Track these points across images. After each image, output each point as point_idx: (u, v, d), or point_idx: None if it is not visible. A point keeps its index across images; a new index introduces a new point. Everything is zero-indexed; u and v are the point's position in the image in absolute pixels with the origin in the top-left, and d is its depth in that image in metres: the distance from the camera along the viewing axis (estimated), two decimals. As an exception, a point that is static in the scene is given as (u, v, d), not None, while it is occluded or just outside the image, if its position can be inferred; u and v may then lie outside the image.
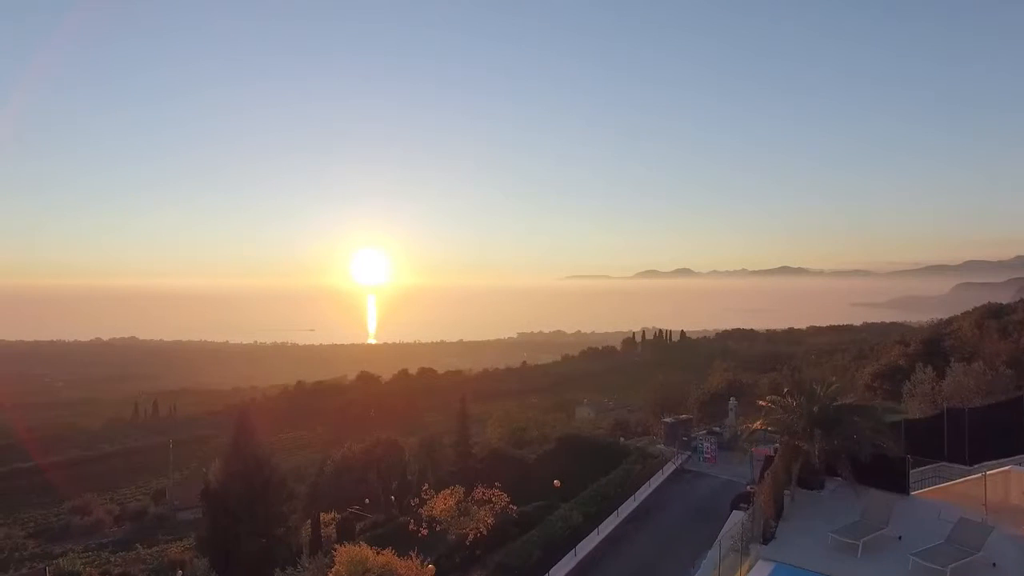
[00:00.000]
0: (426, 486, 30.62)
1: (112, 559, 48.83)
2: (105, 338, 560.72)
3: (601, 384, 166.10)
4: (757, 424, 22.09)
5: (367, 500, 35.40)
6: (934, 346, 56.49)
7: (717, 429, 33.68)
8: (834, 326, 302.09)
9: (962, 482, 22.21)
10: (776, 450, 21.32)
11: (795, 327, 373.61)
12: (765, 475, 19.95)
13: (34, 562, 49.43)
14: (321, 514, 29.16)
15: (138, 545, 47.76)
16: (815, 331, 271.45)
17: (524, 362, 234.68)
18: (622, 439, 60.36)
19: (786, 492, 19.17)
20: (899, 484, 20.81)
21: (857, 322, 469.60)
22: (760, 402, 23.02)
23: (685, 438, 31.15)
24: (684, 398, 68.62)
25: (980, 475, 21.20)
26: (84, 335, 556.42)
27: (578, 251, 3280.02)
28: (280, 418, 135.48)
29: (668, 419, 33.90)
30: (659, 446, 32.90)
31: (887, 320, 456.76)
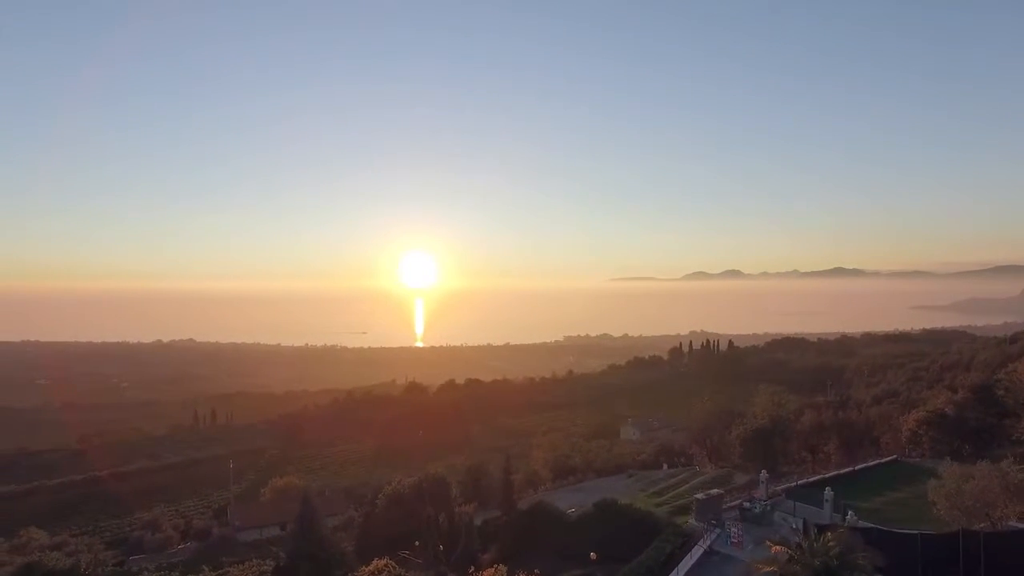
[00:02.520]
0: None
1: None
2: (165, 340, 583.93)
3: (647, 397, 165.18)
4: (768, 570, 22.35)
5: (416, 543, 37.36)
6: (986, 393, 52.10)
7: (747, 504, 34.11)
8: (890, 335, 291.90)
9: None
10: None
11: (849, 332, 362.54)
12: None
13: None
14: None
15: (204, 567, 51.10)
16: (869, 340, 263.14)
17: (570, 371, 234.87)
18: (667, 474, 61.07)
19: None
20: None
21: (917, 327, 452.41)
22: (772, 548, 23.43)
23: (715, 520, 31.83)
24: (730, 426, 68.90)
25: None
26: (146, 337, 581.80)
27: (625, 252, 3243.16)
28: (331, 429, 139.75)
29: (700, 495, 34.63)
30: (691, 522, 33.69)
31: (949, 325, 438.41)
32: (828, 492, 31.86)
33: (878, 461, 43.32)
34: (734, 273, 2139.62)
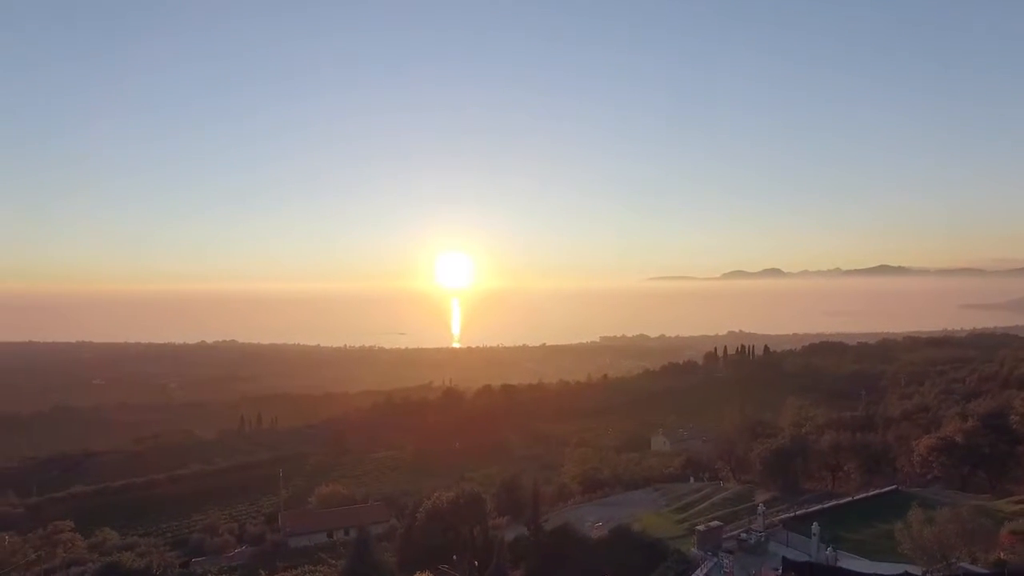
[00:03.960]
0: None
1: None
2: (209, 341, 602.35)
3: (681, 404, 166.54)
4: None
5: (454, 556, 41.03)
6: (998, 420, 52.52)
7: (744, 535, 36.98)
8: (933, 338, 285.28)
9: None
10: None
11: (891, 336, 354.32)
12: None
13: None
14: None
15: (260, 571, 55.81)
16: (911, 344, 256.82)
17: (605, 375, 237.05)
18: (693, 477, 63.82)
19: None
20: None
21: (967, 327, 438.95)
22: None
23: (711, 551, 34.71)
24: (756, 440, 71.09)
25: None
26: (190, 338, 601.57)
27: (662, 251, 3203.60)
28: (371, 434, 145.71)
29: (701, 527, 37.56)
30: (693, 550, 36.69)
31: (1001, 325, 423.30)
32: (815, 526, 34.50)
33: (877, 491, 45.26)
34: (774, 272, 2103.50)
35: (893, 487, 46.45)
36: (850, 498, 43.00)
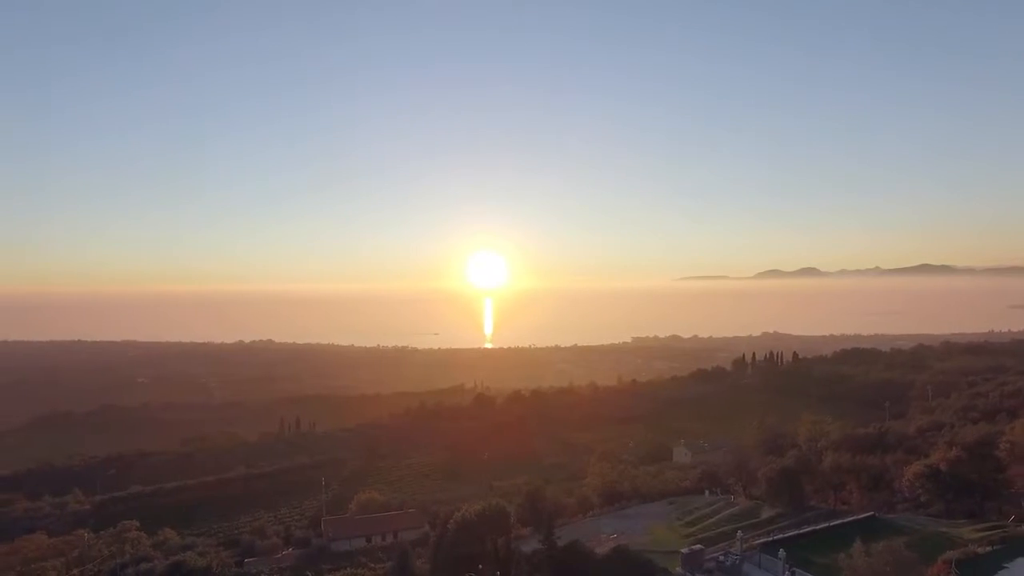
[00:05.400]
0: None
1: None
2: (247, 341, 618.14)
3: (706, 411, 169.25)
4: None
5: (480, 566, 46.13)
6: (984, 450, 53.75)
7: (721, 558, 41.49)
8: (972, 345, 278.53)
9: None
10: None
11: (931, 339, 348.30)
12: None
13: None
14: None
15: (308, 573, 61.88)
16: (946, 351, 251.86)
17: (633, 380, 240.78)
18: (706, 490, 68.21)
19: None
20: None
21: (1015, 328, 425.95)
22: None
23: (693, 572, 39.07)
24: (769, 454, 74.75)
25: None
26: (229, 337, 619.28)
27: (695, 250, 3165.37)
28: (405, 440, 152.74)
29: (685, 550, 42.05)
30: (678, 570, 41.22)
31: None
32: (781, 552, 38.73)
33: (854, 518, 48.80)
34: (810, 271, 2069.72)
35: (870, 513, 50.00)
36: (828, 524, 46.84)
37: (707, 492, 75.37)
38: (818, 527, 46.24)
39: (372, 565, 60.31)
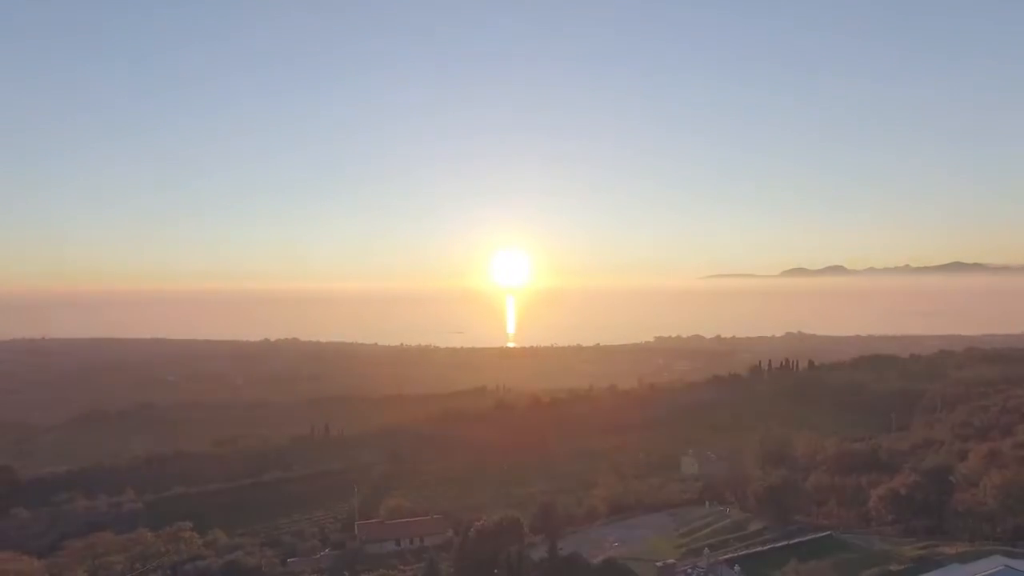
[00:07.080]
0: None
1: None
2: (272, 339, 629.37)
3: (718, 420, 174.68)
4: None
5: (496, 571, 53.32)
6: (941, 474, 58.84)
7: (690, 571, 47.95)
8: (997, 351, 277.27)
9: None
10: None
11: (957, 343, 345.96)
12: None
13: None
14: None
15: (345, 573, 69.62)
16: (966, 357, 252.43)
17: (652, 384, 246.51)
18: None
19: None
20: None
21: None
22: None
23: None
24: (767, 466, 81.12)
25: None
26: (254, 336, 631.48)
27: (719, 248, 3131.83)
28: (428, 445, 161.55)
29: (659, 563, 48.52)
30: None
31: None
32: (737, 568, 45.19)
33: (814, 536, 54.95)
34: (837, 269, 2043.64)
35: (827, 532, 56.27)
36: (787, 542, 53.11)
37: (707, 504, 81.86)
38: (778, 544, 52.71)
39: (402, 567, 67.90)
